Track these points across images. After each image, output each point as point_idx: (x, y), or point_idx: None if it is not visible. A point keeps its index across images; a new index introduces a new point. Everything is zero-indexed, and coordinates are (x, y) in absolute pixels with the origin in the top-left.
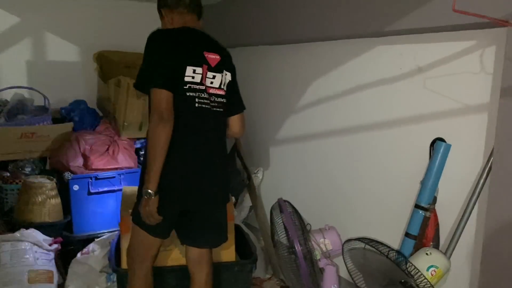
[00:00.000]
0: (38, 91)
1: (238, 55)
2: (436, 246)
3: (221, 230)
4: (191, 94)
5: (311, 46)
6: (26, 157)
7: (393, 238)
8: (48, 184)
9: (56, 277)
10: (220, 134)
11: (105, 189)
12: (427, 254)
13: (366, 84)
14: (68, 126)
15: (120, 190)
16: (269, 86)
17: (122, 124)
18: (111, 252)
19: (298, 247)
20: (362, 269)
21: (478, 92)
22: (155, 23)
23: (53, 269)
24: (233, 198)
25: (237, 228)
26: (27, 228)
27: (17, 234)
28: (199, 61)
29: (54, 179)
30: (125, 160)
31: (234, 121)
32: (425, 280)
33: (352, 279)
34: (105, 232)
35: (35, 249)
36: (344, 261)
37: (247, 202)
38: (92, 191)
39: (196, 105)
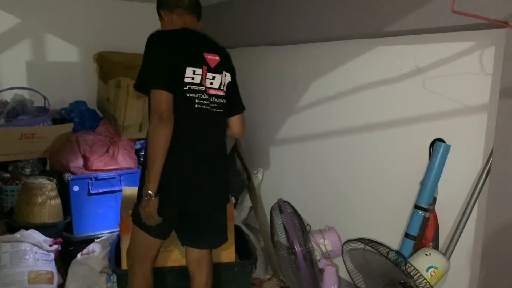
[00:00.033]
0: (38, 92)
1: (238, 55)
2: (436, 246)
3: (221, 230)
4: (190, 95)
5: (310, 47)
6: (26, 158)
7: (392, 238)
8: (48, 185)
9: (56, 278)
10: (220, 134)
11: (105, 189)
12: (426, 254)
13: (365, 84)
14: (68, 127)
15: (120, 190)
16: (268, 87)
17: (122, 124)
18: (111, 253)
19: (298, 248)
20: (362, 270)
21: (477, 92)
22: (155, 24)
23: (53, 270)
24: (233, 199)
25: (237, 228)
26: (27, 229)
27: (17, 235)
28: (199, 62)
29: (54, 180)
30: (125, 160)
31: (234, 122)
32: (425, 281)
33: (352, 279)
34: (105, 233)
35: (35, 250)
36: (344, 262)
37: (247, 202)
38: (92, 191)
39: (196, 106)
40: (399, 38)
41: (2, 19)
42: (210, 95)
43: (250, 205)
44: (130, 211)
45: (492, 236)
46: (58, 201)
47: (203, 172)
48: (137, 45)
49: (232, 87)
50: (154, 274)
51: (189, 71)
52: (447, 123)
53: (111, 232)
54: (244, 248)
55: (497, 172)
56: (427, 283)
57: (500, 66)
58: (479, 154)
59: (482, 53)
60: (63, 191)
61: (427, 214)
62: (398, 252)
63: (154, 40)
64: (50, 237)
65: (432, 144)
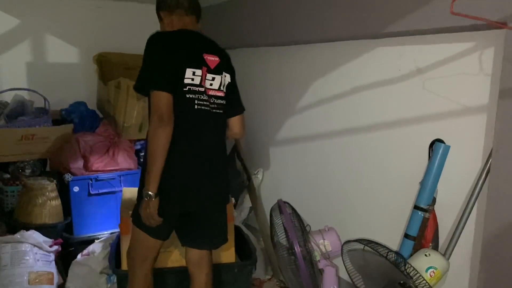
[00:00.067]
0: (38, 92)
1: (238, 56)
2: (435, 247)
3: (221, 231)
4: (190, 96)
5: (310, 48)
6: (26, 159)
7: (392, 239)
8: (48, 186)
9: (56, 278)
10: (219, 135)
11: (105, 190)
12: (426, 255)
13: (365, 85)
14: (68, 128)
15: (120, 191)
16: (268, 87)
17: (122, 125)
18: (111, 254)
19: (297, 248)
20: (361, 270)
21: (477, 93)
22: (155, 25)
23: (53, 270)
24: (233, 199)
25: (237, 229)
26: (27, 229)
27: (17, 235)
28: (199, 63)
29: (54, 181)
30: (125, 161)
31: (234, 123)
32: (424, 281)
33: (352, 280)
34: (105, 234)
35: (35, 250)
36: (343, 262)
37: (247, 203)
38: (92, 192)
39: (196, 107)
40: (399, 39)
41: (2, 20)
42: (210, 96)
43: (250, 205)
44: (130, 212)
45: (491, 237)
46: (58, 201)
47: (203, 172)
48: (137, 46)
49: (232, 88)
50: (154, 275)
51: (188, 72)
52: (446, 124)
53: (111, 233)
54: (244, 249)
55: (496, 172)
56: (427, 284)
57: (499, 66)
58: (479, 154)
59: (482, 53)
60: (63, 191)
61: (427, 215)
62: (397, 253)
63: (154, 41)
64: (50, 237)
65: (432, 144)
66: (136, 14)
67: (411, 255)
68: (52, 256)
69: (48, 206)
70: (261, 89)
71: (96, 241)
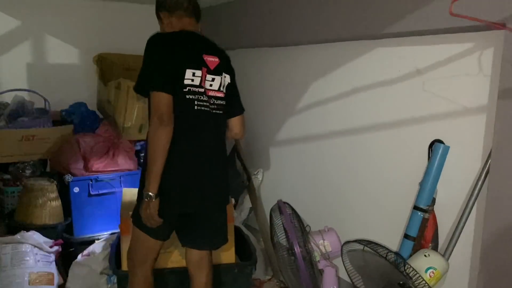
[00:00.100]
0: (39, 93)
1: (238, 57)
2: (435, 247)
3: (221, 231)
4: (190, 96)
5: (310, 48)
6: (26, 160)
7: (392, 239)
8: (48, 186)
9: (56, 279)
10: (219, 136)
11: (105, 191)
12: (425, 255)
13: (364, 86)
14: (68, 129)
15: (120, 192)
16: (268, 88)
17: (122, 126)
18: (111, 254)
19: (297, 249)
20: (361, 271)
21: (476, 94)
22: (155, 26)
23: (54, 271)
24: (233, 200)
25: (237, 229)
26: (27, 230)
27: (17, 236)
28: (198, 64)
29: (55, 181)
30: (125, 162)
31: (235, 123)
32: (424, 282)
33: (351, 280)
34: (106, 234)
35: (35, 251)
36: (343, 263)
37: (247, 203)
38: (92, 193)
39: (196, 107)
40: (398, 39)
41: (3, 21)
42: (210, 97)
43: (250, 206)
44: (130, 213)
45: (491, 237)
46: (58, 202)
47: (203, 173)
48: (137, 47)
49: (231, 89)
50: (154, 275)
51: (188, 73)
52: (446, 124)
53: (111, 233)
54: (244, 249)
55: (496, 173)
56: (426, 284)
57: (498, 67)
58: (478, 155)
59: (481, 54)
60: (64, 192)
61: (426, 215)
62: (397, 253)
63: (154, 42)
64: (50, 238)
65: (431, 145)
66: (136, 15)
67: (411, 255)
68: (53, 257)
69: (48, 206)
70: (261, 90)
71: (96, 241)
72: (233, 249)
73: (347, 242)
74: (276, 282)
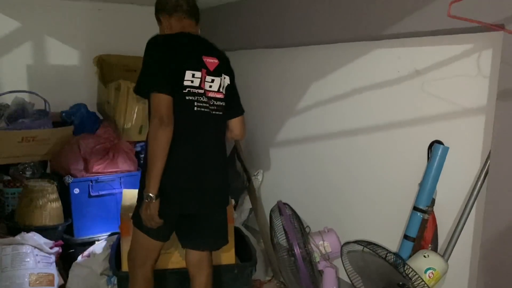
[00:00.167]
0: (39, 95)
1: (238, 58)
2: (435, 248)
3: (222, 232)
4: (190, 98)
5: (309, 49)
6: (26, 161)
7: (391, 240)
8: (48, 188)
9: (56, 280)
10: (219, 137)
11: (106, 192)
12: (425, 256)
13: (364, 87)
14: (68, 130)
15: (120, 193)
16: (268, 89)
17: (122, 127)
18: (111, 255)
19: (297, 250)
20: (361, 272)
21: (475, 95)
22: (155, 27)
23: (54, 272)
24: (233, 201)
25: (237, 230)
26: (28, 231)
27: (18, 237)
28: (198, 65)
29: (55, 183)
30: (125, 163)
31: (235, 124)
32: (423, 283)
33: (351, 281)
34: (106, 235)
35: (36, 252)
36: (343, 264)
37: (247, 204)
38: (92, 194)
39: (195, 108)
40: (397, 40)
41: (3, 23)
42: (210, 98)
43: (250, 207)
44: (131, 214)
45: (490, 238)
46: (58, 203)
47: (203, 174)
48: (137, 48)
49: (231, 90)
50: (155, 276)
51: (188, 74)
52: (445, 125)
53: (111, 234)
54: (244, 250)
55: (495, 173)
56: (426, 285)
57: (497, 68)
58: (477, 156)
59: (480, 55)
60: (64, 193)
61: (426, 216)
62: (396, 254)
63: (153, 44)
64: (50, 239)
65: (431, 146)
66: (136, 17)
67: (410, 256)
68: (53, 258)
69: (49, 208)
70: (260, 91)
71: (96, 242)
72: (233, 250)
73: (347, 243)
74: (276, 283)
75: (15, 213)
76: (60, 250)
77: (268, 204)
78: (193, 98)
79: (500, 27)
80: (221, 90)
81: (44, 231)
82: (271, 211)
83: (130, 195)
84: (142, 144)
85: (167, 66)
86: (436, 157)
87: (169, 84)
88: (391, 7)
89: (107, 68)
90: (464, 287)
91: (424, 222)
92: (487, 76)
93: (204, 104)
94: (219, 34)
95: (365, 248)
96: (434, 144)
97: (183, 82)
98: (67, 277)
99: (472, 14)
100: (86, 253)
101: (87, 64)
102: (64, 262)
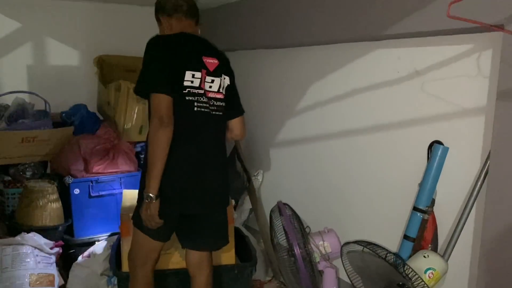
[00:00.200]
0: (39, 95)
1: (238, 58)
2: (435, 248)
3: (222, 232)
4: (190, 98)
5: (309, 50)
6: (27, 161)
7: (391, 240)
8: (49, 188)
9: (57, 280)
10: (219, 137)
11: (106, 192)
12: (424, 256)
13: (364, 87)
14: (68, 130)
15: (121, 193)
16: (269, 89)
17: (122, 127)
18: (111, 255)
19: (297, 250)
20: (361, 272)
21: (475, 95)
22: (155, 27)
23: (54, 272)
24: (233, 201)
25: (237, 231)
26: (28, 232)
27: (18, 238)
28: (198, 66)
29: (55, 183)
30: (125, 163)
31: (235, 124)
32: (423, 283)
33: (351, 281)
34: (106, 235)
35: (36, 252)
36: (343, 264)
37: (247, 204)
38: (92, 194)
39: (195, 109)
40: (397, 41)
41: (3, 23)
42: (210, 98)
43: (250, 207)
44: (131, 214)
45: (490, 238)
46: (59, 204)
47: (203, 174)
48: (137, 49)
49: (231, 90)
50: (155, 277)
51: (188, 74)
52: (445, 126)
53: (111, 235)
54: (244, 250)
55: (495, 174)
56: (425, 285)
57: (497, 68)
58: (477, 156)
59: (480, 55)
60: (64, 194)
61: (426, 216)
62: (396, 254)
63: (154, 44)
64: (51, 240)
65: (431, 146)
66: (136, 17)
67: (410, 256)
68: (53, 258)
69: (49, 208)
70: (260, 91)
71: (96, 243)
72: (233, 250)
73: (347, 243)
74: (276, 283)
75: (15, 214)
76: (61, 251)
77: (268, 204)
78: (193, 99)
79: (499, 27)
80: (221, 90)
81: (44, 231)
82: (271, 211)
83: (130, 195)
84: (142, 144)
85: (167, 67)
86: (436, 157)
87: (169, 84)
88: (391, 7)
89: (107, 69)
90: (464, 287)
91: (424, 222)
92: (487, 76)
93: (204, 105)
94: (219, 34)
95: (365, 248)
96: (434, 144)
97: (183, 82)
98: (67, 277)
99: (472, 15)
100: (86, 253)
101: (87, 64)
102: (64, 263)
